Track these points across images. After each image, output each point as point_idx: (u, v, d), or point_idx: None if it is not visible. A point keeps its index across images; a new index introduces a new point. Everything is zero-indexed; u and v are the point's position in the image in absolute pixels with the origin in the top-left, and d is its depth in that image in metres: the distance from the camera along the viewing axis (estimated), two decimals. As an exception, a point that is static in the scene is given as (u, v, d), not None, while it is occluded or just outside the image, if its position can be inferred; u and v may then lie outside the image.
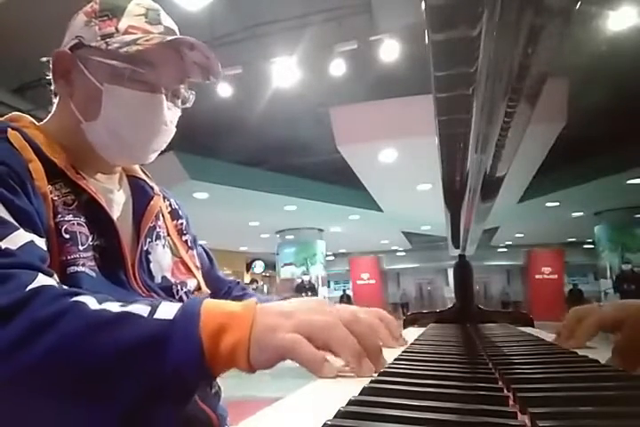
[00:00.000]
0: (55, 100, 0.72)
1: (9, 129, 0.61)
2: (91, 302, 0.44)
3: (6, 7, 4.00)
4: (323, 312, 0.47)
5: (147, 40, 0.63)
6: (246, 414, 0.33)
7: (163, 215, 0.79)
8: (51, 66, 0.68)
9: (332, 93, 6.13)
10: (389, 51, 4.93)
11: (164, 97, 0.68)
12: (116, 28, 0.66)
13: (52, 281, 0.48)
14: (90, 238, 0.62)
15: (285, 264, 11.24)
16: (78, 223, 0.61)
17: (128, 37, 0.64)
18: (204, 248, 0.94)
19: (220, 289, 0.93)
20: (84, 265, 0.59)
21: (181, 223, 0.84)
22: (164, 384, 0.41)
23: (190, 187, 7.16)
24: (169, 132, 0.70)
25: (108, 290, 0.59)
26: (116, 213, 0.69)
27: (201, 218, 8.46)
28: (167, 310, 0.44)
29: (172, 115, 0.70)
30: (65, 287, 0.49)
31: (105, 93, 0.65)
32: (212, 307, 0.45)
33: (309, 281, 10.00)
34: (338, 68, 5.24)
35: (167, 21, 0.71)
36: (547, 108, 4.50)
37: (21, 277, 0.45)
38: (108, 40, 0.64)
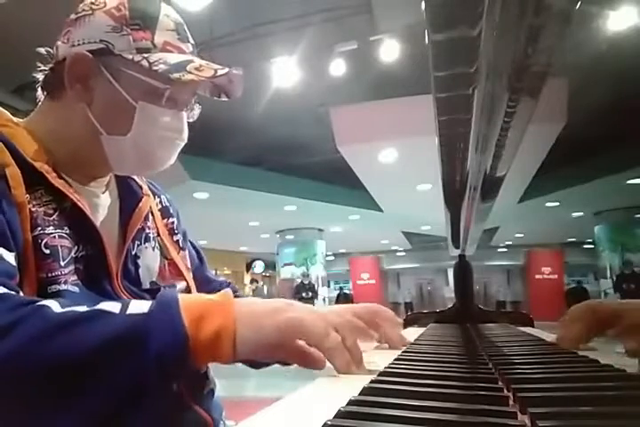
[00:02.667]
0: (40, 93, 0.66)
1: None
2: (54, 305, 0.43)
3: (6, 7, 3.99)
4: (309, 311, 0.46)
5: (197, 69, 0.60)
6: (246, 414, 0.33)
7: (153, 214, 0.76)
8: (56, 61, 0.63)
9: (332, 93, 6.13)
10: (389, 51, 4.93)
11: (185, 113, 0.67)
12: (153, 43, 0.62)
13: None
14: (73, 250, 0.58)
15: (285, 264, 11.23)
16: (60, 235, 0.57)
17: (170, 58, 0.61)
18: (194, 245, 0.89)
19: (209, 291, 0.87)
20: (66, 282, 0.55)
21: (172, 222, 0.81)
22: (147, 375, 0.40)
23: (190, 187, 7.15)
24: (181, 146, 0.69)
25: (92, 303, 0.57)
26: (100, 218, 0.66)
27: (201, 218, 8.47)
28: (139, 306, 0.43)
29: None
30: (27, 297, 0.47)
31: (139, 111, 0.62)
32: (189, 297, 0.45)
33: (309, 281, 10.00)
34: (338, 68, 5.23)
35: (191, 37, 0.68)
36: (547, 108, 4.50)
37: None
38: (146, 55, 0.60)
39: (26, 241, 0.53)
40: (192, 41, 0.68)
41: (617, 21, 4.29)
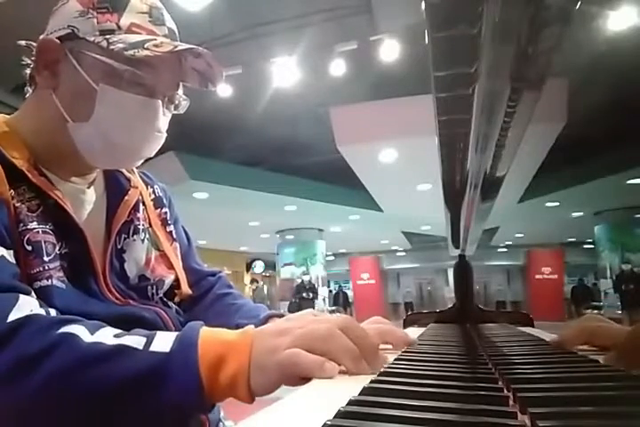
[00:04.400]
0: (28, 89, 0.66)
1: None
2: (82, 333, 0.43)
3: (5, 7, 4.00)
4: (319, 322, 0.46)
5: (156, 46, 0.58)
6: (246, 414, 0.33)
7: (145, 204, 0.75)
8: (34, 53, 0.62)
9: (332, 93, 6.13)
10: (389, 51, 4.93)
11: (160, 102, 0.63)
12: (118, 25, 0.60)
13: (35, 303, 0.46)
14: (58, 247, 0.58)
15: (285, 264, 11.24)
16: (43, 231, 0.56)
17: (132, 38, 0.59)
18: (185, 231, 0.86)
19: (196, 281, 0.84)
20: (49, 278, 0.55)
21: (165, 212, 0.80)
22: (163, 418, 0.41)
23: (190, 187, 7.16)
24: (161, 139, 0.66)
25: (80, 302, 0.57)
26: (85, 214, 0.65)
27: (201, 218, 8.47)
28: (163, 342, 0.43)
29: (165, 121, 0.66)
30: (52, 312, 0.47)
31: (99, 94, 0.59)
32: (209, 337, 0.44)
33: (309, 281, 10.00)
34: (338, 68, 5.23)
35: (170, 22, 0.66)
36: (547, 108, 4.50)
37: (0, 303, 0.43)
38: (108, 37, 0.59)
39: (14, 238, 0.54)
40: (171, 26, 0.66)
41: (617, 21, 4.29)
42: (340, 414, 0.30)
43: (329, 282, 13.56)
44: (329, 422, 0.28)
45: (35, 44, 0.63)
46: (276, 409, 0.35)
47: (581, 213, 9.95)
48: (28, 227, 0.55)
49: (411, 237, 13.45)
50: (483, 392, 0.36)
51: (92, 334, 0.43)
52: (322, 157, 7.83)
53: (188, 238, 0.87)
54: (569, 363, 0.52)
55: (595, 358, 0.54)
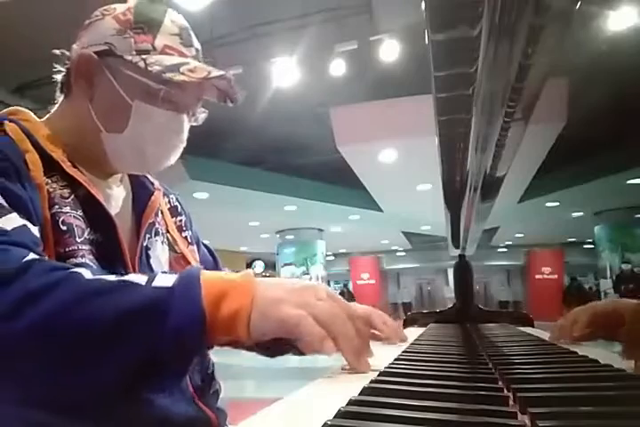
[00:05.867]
0: (59, 95, 0.70)
1: (6, 121, 0.61)
2: (86, 273, 0.45)
3: (7, 7, 3.99)
4: (325, 298, 0.47)
5: (190, 71, 0.63)
6: (246, 414, 0.33)
7: (162, 212, 0.79)
8: (70, 63, 0.67)
9: (332, 93, 6.12)
10: (389, 51, 4.93)
11: (185, 116, 0.69)
12: (153, 46, 0.65)
13: (46, 259, 0.49)
14: (86, 232, 0.61)
15: (285, 264, 11.24)
16: (74, 216, 0.60)
17: (167, 60, 0.64)
18: (208, 248, 0.92)
19: None
20: (83, 257, 0.58)
21: (181, 220, 0.83)
22: (164, 349, 0.41)
23: (190, 187, 7.15)
24: (181, 148, 0.72)
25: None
26: (114, 209, 0.68)
27: (201, 218, 8.39)
28: (165, 279, 0.45)
29: (187, 132, 0.72)
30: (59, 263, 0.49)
31: (134, 109, 0.64)
32: (211, 275, 0.46)
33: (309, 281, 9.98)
34: (338, 68, 5.23)
35: (196, 42, 0.71)
36: (547, 108, 4.50)
37: (15, 252, 0.46)
38: (144, 57, 0.63)
39: (45, 218, 0.57)
40: (197, 46, 0.71)
41: (617, 21, 4.29)
42: (340, 414, 0.30)
43: (329, 282, 13.55)
44: (329, 423, 0.28)
45: (67, 52, 0.68)
46: (276, 409, 0.35)
47: (581, 213, 9.94)
48: (62, 210, 0.59)
49: (411, 237, 13.44)
50: (483, 392, 0.36)
51: (94, 275, 0.45)
52: (322, 157, 7.82)
53: (213, 256, 0.91)
54: (569, 363, 0.52)
55: (594, 358, 0.54)
